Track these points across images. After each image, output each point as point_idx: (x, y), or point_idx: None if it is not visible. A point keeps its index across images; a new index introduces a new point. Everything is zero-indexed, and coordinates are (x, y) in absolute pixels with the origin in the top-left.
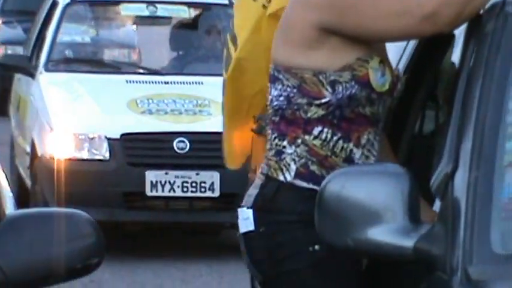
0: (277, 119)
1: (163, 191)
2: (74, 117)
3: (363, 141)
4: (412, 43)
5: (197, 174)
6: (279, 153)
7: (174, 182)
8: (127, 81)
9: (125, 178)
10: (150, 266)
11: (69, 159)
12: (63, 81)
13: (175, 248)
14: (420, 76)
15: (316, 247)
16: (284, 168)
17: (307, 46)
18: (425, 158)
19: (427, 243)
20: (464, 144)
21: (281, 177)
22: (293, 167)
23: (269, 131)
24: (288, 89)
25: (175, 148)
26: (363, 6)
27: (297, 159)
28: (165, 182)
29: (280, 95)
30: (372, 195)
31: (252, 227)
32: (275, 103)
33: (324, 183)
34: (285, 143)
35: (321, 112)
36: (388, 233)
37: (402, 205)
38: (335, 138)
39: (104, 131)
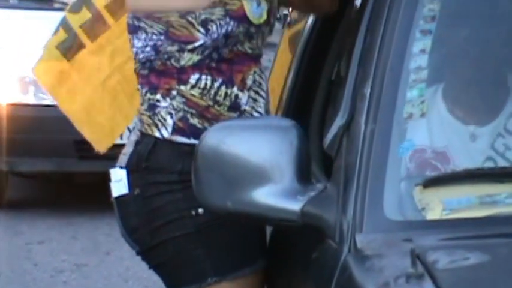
0: (146, 72)
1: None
2: (18, 58)
3: (249, 82)
4: None
5: None
6: (153, 107)
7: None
8: None
9: None
10: (106, 223)
11: (13, 104)
12: (7, 17)
13: None
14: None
15: (200, 210)
16: (160, 124)
17: None
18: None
19: (316, 207)
20: (362, 92)
21: (157, 134)
22: (170, 121)
23: (139, 86)
24: (154, 37)
25: None
26: None
27: (173, 112)
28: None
29: (146, 45)
30: (254, 151)
31: (125, 190)
32: (141, 55)
33: (200, 138)
34: (158, 96)
35: (195, 58)
36: (272, 194)
37: (289, 163)
38: (216, 84)
39: None
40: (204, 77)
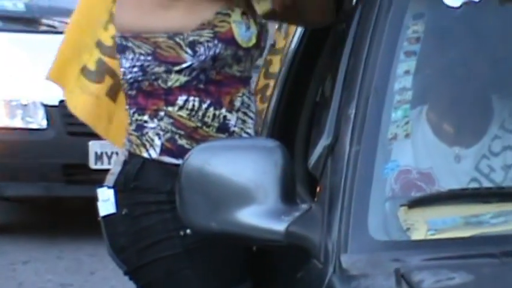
0: (133, 92)
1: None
2: (4, 81)
3: (237, 103)
4: None
5: None
6: (141, 127)
7: None
8: None
9: (65, 149)
10: (90, 244)
11: (1, 128)
12: None
13: None
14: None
15: (189, 231)
16: (148, 144)
17: (159, 5)
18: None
19: (301, 227)
20: (346, 114)
21: (145, 154)
22: (158, 142)
23: (127, 106)
24: (142, 58)
25: None
26: None
27: (161, 133)
28: (112, 154)
29: (134, 66)
30: (239, 172)
31: (113, 209)
32: (129, 76)
33: (184, 158)
34: (145, 117)
35: (183, 79)
36: (256, 215)
37: (273, 183)
38: (204, 105)
39: (39, 97)
40: (191, 98)
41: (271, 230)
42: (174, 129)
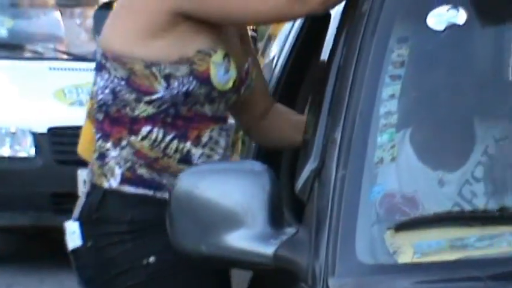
0: (101, 116)
1: None
2: None
3: (204, 139)
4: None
5: None
6: (103, 156)
7: None
8: (50, 68)
9: (54, 177)
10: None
11: None
12: None
13: None
14: (306, 57)
15: (151, 259)
16: (108, 174)
17: (151, 33)
18: None
19: (289, 250)
20: (333, 138)
21: (106, 184)
22: (118, 171)
23: (94, 130)
24: (116, 81)
25: None
26: None
27: (122, 162)
28: None
29: (107, 87)
30: (227, 195)
31: (79, 242)
32: (100, 96)
33: (174, 182)
34: (108, 144)
35: (151, 110)
36: (245, 238)
37: (261, 207)
38: (168, 138)
39: (28, 125)
40: (155, 129)
41: (260, 253)
42: (134, 159)
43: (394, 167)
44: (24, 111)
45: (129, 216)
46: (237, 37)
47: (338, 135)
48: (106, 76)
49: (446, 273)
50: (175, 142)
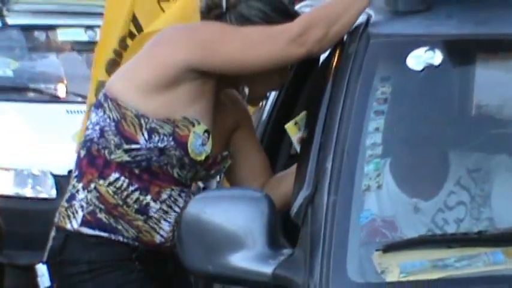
0: (83, 152)
1: None
2: (14, 151)
3: (164, 196)
4: None
5: None
6: (72, 197)
7: None
8: (67, 111)
9: None
10: None
11: (11, 197)
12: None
13: None
14: (294, 96)
15: None
16: (72, 215)
17: (153, 87)
18: None
19: (286, 269)
20: (324, 167)
21: (68, 226)
22: (80, 213)
23: (74, 166)
24: (108, 121)
25: None
26: (230, 39)
27: (85, 205)
28: None
29: (97, 123)
30: (230, 220)
31: (47, 284)
32: (89, 131)
33: (183, 207)
34: (80, 185)
35: (125, 158)
36: (247, 259)
37: (261, 230)
38: (131, 188)
39: (49, 167)
40: (122, 178)
41: (260, 272)
42: (97, 203)
43: (379, 193)
44: (45, 153)
45: (87, 257)
46: (227, 131)
47: (329, 165)
48: (101, 114)
49: None
50: (136, 193)
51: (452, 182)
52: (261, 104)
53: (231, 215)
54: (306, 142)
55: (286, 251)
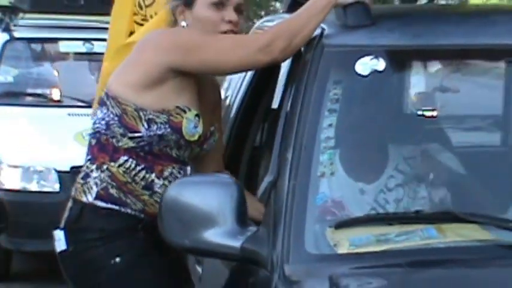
0: (94, 141)
1: None
2: (22, 150)
3: (166, 173)
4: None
5: None
6: (86, 176)
7: None
8: (69, 114)
9: None
10: None
11: (19, 191)
12: (7, 114)
13: None
14: (258, 96)
15: (117, 259)
16: (87, 191)
17: (145, 85)
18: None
19: (252, 244)
20: (285, 156)
21: (84, 199)
22: (94, 189)
23: (86, 152)
24: (111, 115)
25: None
26: (207, 45)
27: (99, 183)
28: None
29: (103, 119)
30: (205, 201)
31: (64, 247)
32: (97, 125)
33: (164, 191)
34: (93, 167)
35: (131, 144)
36: (218, 234)
37: (231, 211)
38: (138, 168)
39: (53, 164)
40: (130, 160)
41: (230, 246)
42: (109, 180)
43: (332, 179)
44: (49, 152)
45: (100, 226)
46: (210, 109)
47: (289, 155)
48: (105, 111)
49: (375, 261)
50: (143, 172)
51: (391, 167)
52: (228, 102)
53: (205, 197)
54: (270, 136)
55: (252, 228)
